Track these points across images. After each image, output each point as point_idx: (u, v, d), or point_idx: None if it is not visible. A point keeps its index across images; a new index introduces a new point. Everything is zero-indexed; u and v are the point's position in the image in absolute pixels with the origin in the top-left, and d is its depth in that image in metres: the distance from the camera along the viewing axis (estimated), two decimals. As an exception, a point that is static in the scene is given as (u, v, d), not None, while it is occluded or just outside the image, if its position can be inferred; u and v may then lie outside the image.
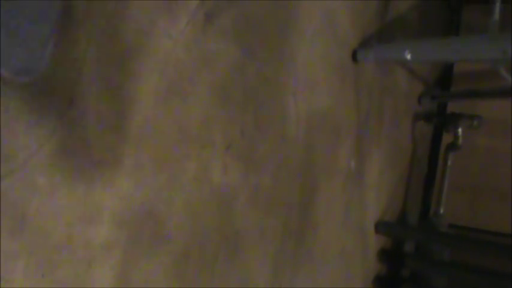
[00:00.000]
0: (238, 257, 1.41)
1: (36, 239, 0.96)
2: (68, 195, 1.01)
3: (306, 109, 1.57)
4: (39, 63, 0.95)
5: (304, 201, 1.64)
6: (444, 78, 2.40)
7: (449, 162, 2.31)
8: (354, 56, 1.73)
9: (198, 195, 1.27)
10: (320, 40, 1.59)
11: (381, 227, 2.11)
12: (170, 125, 1.19)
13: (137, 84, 1.11)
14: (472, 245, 2.07)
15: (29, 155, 0.95)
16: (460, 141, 2.23)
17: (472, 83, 2.39)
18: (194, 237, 1.27)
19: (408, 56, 1.66)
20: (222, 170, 1.32)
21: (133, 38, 1.09)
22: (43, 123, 0.96)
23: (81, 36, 1.00)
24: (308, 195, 1.65)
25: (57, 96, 0.97)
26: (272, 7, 1.40)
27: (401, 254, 2.30)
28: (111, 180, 1.08)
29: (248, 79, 1.36)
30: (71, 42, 0.98)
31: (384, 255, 2.24)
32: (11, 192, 0.93)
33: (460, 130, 2.20)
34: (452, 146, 2.25)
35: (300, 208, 1.62)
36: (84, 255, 1.03)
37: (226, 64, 1.30)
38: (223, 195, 1.34)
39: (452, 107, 2.37)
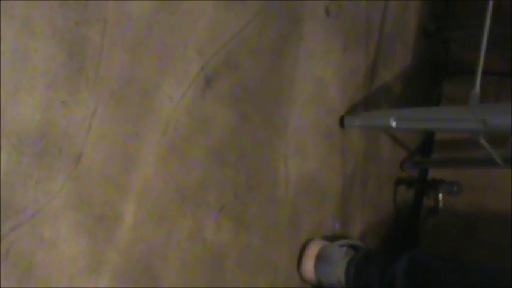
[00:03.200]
0: (227, 315, 1.45)
1: (41, 290, 1.00)
2: (72, 248, 1.06)
3: (295, 173, 1.64)
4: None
5: (291, 262, 1.68)
6: (425, 145, 2.49)
7: (429, 227, 2.37)
8: (341, 123, 1.82)
9: (191, 252, 1.32)
10: (310, 107, 1.67)
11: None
12: (169, 184, 1.24)
13: (140, 144, 1.17)
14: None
15: (38, 209, 1.00)
16: (441, 206, 2.29)
17: (453, 150, 2.48)
18: (186, 293, 1.31)
19: (393, 124, 1.75)
20: (215, 229, 1.37)
21: (138, 100, 1.16)
22: (53, 178, 1.01)
23: (90, 97, 1.06)
24: (296, 256, 1.70)
25: (66, 153, 1.03)
26: (268, 75, 1.48)
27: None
28: (112, 234, 1.13)
29: (243, 143, 1.43)
30: (81, 102, 1.05)
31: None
32: (19, 243, 0.98)
33: (440, 196, 2.27)
34: (433, 211, 2.31)
35: (287, 270, 1.67)
36: (84, 307, 1.07)
37: (222, 128, 1.36)
38: (215, 253, 1.39)
39: (434, 172, 2.45)
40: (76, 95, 1.04)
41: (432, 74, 2.49)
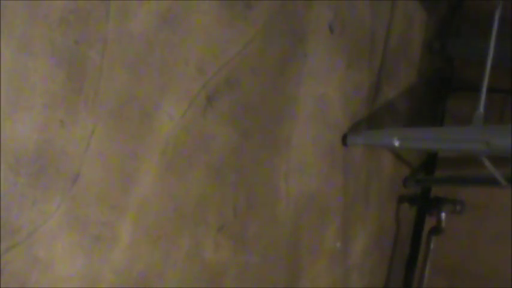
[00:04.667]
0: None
1: (35, 312, 0.99)
2: (67, 268, 1.04)
3: (296, 191, 1.62)
4: (50, 142, 1.00)
5: (289, 281, 1.67)
6: (428, 162, 2.47)
7: (431, 246, 2.35)
8: (344, 140, 1.80)
9: (189, 271, 1.30)
10: (312, 125, 1.66)
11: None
12: (167, 203, 1.23)
13: (139, 163, 1.16)
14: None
15: (33, 229, 0.99)
16: (443, 225, 2.28)
17: (455, 168, 2.46)
18: (183, 313, 1.29)
19: (396, 144, 1.73)
20: (213, 248, 1.36)
21: (138, 119, 1.14)
22: (49, 199, 1.00)
23: (89, 116, 1.05)
24: (294, 275, 1.68)
25: (63, 173, 1.02)
26: (270, 93, 1.47)
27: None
28: (108, 254, 1.11)
29: (243, 161, 1.42)
30: (80, 121, 1.03)
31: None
32: (14, 263, 0.96)
33: (443, 214, 2.25)
34: (435, 230, 2.30)
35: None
36: (78, 329, 1.06)
37: (223, 146, 1.35)
38: (213, 272, 1.38)
39: (436, 190, 2.44)
40: (74, 115, 1.02)
41: (436, 90, 2.48)
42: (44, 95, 0.97)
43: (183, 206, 1.27)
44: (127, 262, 1.15)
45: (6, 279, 0.96)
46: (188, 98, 1.25)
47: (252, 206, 1.47)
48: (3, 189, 0.93)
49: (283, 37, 1.51)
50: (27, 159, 0.96)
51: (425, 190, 2.45)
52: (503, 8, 1.80)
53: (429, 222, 2.42)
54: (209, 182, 1.33)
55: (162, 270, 1.24)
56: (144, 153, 1.16)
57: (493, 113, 2.32)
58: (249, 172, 1.45)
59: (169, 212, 1.24)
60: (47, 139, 0.99)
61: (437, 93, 2.48)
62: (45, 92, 0.97)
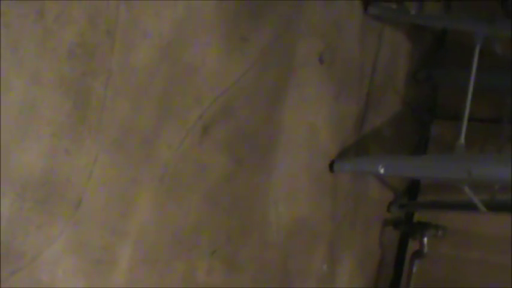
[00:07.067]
0: None
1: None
2: (69, 292, 1.08)
3: (286, 216, 1.67)
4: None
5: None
6: (411, 188, 2.53)
7: (414, 269, 2.40)
8: (332, 167, 1.86)
9: (183, 294, 1.35)
10: (302, 152, 1.71)
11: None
12: (164, 228, 1.28)
13: (138, 190, 1.20)
14: None
15: (37, 254, 1.03)
16: (426, 249, 2.33)
17: (438, 193, 2.52)
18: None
19: (381, 171, 1.79)
20: (207, 271, 1.40)
21: (138, 148, 1.19)
22: (53, 224, 1.04)
23: (92, 145, 1.10)
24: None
25: (67, 199, 1.06)
26: (262, 122, 1.53)
27: None
28: (108, 278, 1.16)
29: (236, 188, 1.47)
30: (84, 149, 1.08)
31: None
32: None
33: (425, 239, 2.31)
34: (418, 254, 2.35)
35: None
36: None
37: (218, 173, 1.40)
38: (206, 295, 1.42)
39: (419, 215, 2.49)
40: (79, 143, 1.07)
41: (420, 118, 2.55)
42: (51, 125, 1.02)
43: (180, 231, 1.32)
44: (126, 285, 1.19)
45: (10, 302, 1.00)
46: (186, 127, 1.30)
47: (244, 231, 1.51)
48: (10, 215, 0.98)
49: (276, 68, 1.56)
50: (33, 186, 1.01)
51: (408, 215, 2.50)
52: (484, 42, 1.87)
53: (412, 246, 2.47)
54: (204, 208, 1.37)
55: (157, 292, 1.28)
56: (143, 181, 1.21)
57: (475, 140, 2.38)
58: (241, 198, 1.49)
59: (166, 237, 1.28)
60: (53, 167, 1.03)
61: (421, 121, 2.55)
62: (53, 122, 1.02)
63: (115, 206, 1.16)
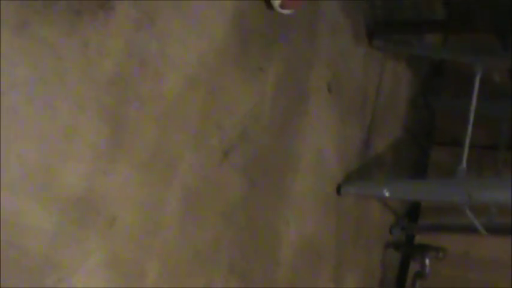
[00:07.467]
0: None
1: None
2: (103, 303, 1.17)
3: (295, 236, 1.77)
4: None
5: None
6: (412, 210, 2.63)
7: (416, 290, 2.49)
8: (338, 190, 1.96)
9: (203, 307, 1.43)
10: (311, 175, 1.81)
11: None
12: (186, 244, 1.37)
13: (164, 208, 1.30)
14: None
15: (76, 267, 1.12)
16: (427, 270, 2.42)
17: (438, 216, 2.61)
18: None
19: (386, 194, 1.89)
20: (223, 284, 1.49)
21: (164, 169, 1.29)
22: (90, 239, 1.13)
23: (126, 166, 1.19)
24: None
25: (103, 216, 1.15)
26: (275, 147, 1.63)
27: None
28: (137, 291, 1.24)
29: (251, 207, 1.56)
30: (118, 170, 1.17)
31: None
32: (58, 297, 1.09)
33: (427, 261, 2.39)
34: (419, 275, 2.43)
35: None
36: None
37: (235, 194, 1.50)
38: (222, 309, 1.50)
39: (420, 237, 2.57)
40: (114, 165, 1.17)
41: (419, 143, 2.65)
42: (91, 147, 1.11)
43: (199, 247, 1.40)
44: (152, 297, 1.28)
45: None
46: (207, 151, 1.40)
47: (257, 248, 1.60)
48: (53, 229, 1.07)
49: (288, 96, 1.67)
50: (74, 204, 1.10)
51: (409, 237, 2.59)
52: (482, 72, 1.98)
53: (414, 268, 2.55)
54: (222, 226, 1.46)
55: (179, 306, 1.37)
56: (169, 200, 1.30)
57: (473, 165, 2.48)
58: (255, 217, 1.59)
59: (188, 252, 1.37)
60: (91, 186, 1.13)
61: (420, 146, 2.65)
62: (92, 144, 1.12)
63: (144, 223, 1.25)
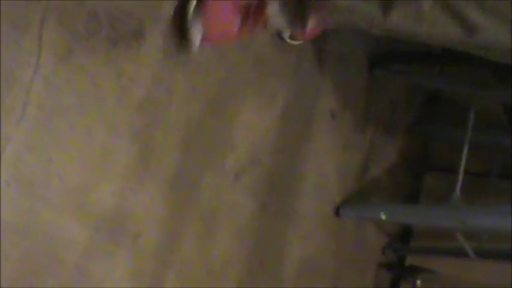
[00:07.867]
0: None
1: None
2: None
3: (298, 256, 1.85)
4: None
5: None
6: (405, 233, 2.72)
7: (406, 312, 2.57)
8: (337, 213, 2.05)
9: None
10: (314, 198, 1.90)
11: None
12: (201, 260, 1.45)
13: (184, 225, 1.38)
14: None
15: (103, 278, 1.20)
16: (418, 291, 2.51)
17: (430, 239, 2.70)
18: None
19: (383, 217, 1.98)
20: (232, 301, 1.57)
21: (186, 189, 1.38)
22: (117, 253, 1.22)
23: (151, 186, 1.28)
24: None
25: (129, 232, 1.24)
26: (283, 169, 1.72)
27: None
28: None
29: (260, 227, 1.65)
30: (145, 189, 1.26)
31: None
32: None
33: (418, 282, 2.48)
34: (410, 296, 2.53)
35: None
36: None
37: (245, 214, 1.59)
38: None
39: (412, 259, 2.66)
40: (141, 184, 1.25)
41: (413, 169, 2.76)
42: (122, 167, 1.20)
43: (212, 264, 1.49)
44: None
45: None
46: (222, 173, 1.49)
47: (263, 267, 1.69)
48: (86, 243, 1.15)
49: (296, 122, 1.76)
50: (105, 219, 1.19)
51: (401, 258, 2.68)
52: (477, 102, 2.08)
53: (405, 288, 2.64)
54: (233, 245, 1.55)
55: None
56: (188, 218, 1.39)
57: (466, 192, 2.57)
58: (263, 237, 1.67)
59: (202, 268, 1.46)
60: (120, 203, 1.21)
61: (415, 171, 2.76)
62: (123, 165, 1.20)
63: (165, 239, 1.33)
